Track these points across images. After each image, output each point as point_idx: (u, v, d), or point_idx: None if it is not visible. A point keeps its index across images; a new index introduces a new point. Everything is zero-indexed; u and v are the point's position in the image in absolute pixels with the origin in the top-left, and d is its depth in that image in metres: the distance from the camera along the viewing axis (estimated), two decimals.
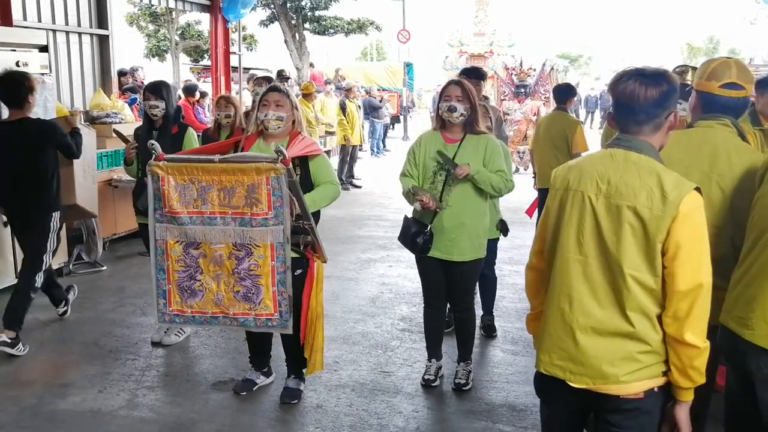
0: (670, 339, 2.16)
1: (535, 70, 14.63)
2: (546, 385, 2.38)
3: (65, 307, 5.54)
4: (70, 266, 6.76)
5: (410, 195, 4.08)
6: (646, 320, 2.17)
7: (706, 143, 2.76)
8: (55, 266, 6.44)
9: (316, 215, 3.97)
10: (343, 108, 12.74)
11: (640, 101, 2.18)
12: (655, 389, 2.21)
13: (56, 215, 5.01)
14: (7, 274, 6.06)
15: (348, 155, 12.73)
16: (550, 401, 2.44)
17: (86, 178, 6.17)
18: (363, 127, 15.17)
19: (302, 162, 3.93)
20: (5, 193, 4.93)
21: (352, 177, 12.71)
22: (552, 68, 15.08)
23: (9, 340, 4.69)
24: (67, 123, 5.36)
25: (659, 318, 2.17)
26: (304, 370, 4.15)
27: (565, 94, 7.50)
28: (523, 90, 13.51)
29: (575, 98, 7.46)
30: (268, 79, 9.33)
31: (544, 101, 14.49)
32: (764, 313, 2.38)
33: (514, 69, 14.29)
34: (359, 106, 14.16)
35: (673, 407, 2.23)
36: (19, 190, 4.87)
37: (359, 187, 12.47)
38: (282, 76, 11.78)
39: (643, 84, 2.18)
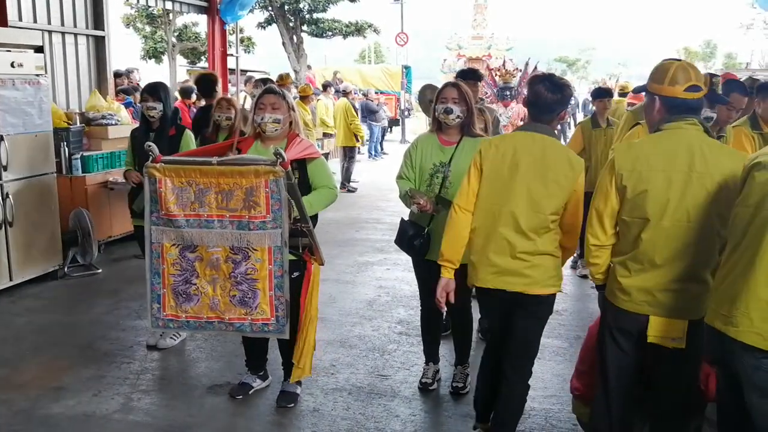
0: (565, 247, 3.38)
1: (520, 71, 14.08)
2: (486, 293, 3.41)
3: None
4: (65, 269, 6.71)
5: (407, 198, 4.05)
6: (556, 245, 3.31)
7: (679, 145, 2.82)
8: (49, 269, 6.45)
9: (314, 218, 3.94)
10: (355, 109, 12.75)
11: (544, 102, 3.24)
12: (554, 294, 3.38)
13: None
14: (1, 276, 6.03)
15: (355, 156, 12.73)
16: (487, 306, 3.56)
17: None
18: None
19: (300, 165, 3.90)
20: None
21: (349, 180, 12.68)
22: (535, 68, 14.42)
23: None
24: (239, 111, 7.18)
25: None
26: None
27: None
28: (507, 93, 12.46)
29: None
30: (267, 81, 9.29)
31: None
32: (748, 309, 2.39)
33: (498, 69, 13.72)
34: (357, 109, 14.12)
35: None
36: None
37: (355, 189, 12.44)
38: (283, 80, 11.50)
39: (549, 90, 3.22)
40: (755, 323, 2.38)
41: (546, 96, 3.21)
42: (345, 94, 13.47)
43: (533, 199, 3.19)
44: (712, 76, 5.02)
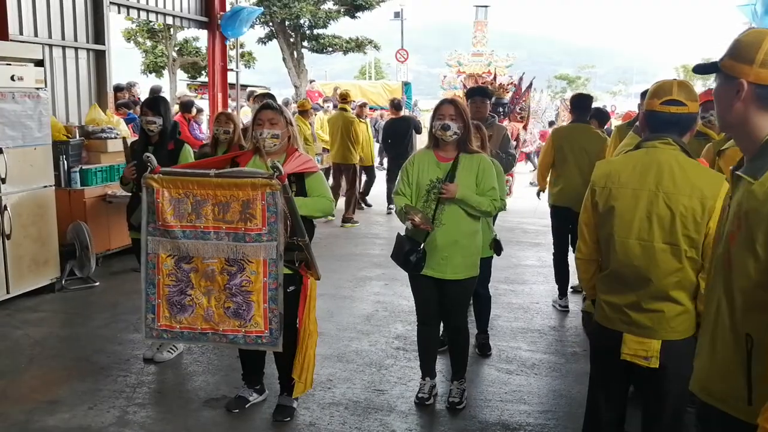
0: None
1: (514, 85, 13.53)
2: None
3: None
4: (63, 282, 6.71)
5: (403, 214, 4.07)
6: None
7: (651, 163, 2.84)
8: (47, 281, 6.45)
9: (310, 231, 3.95)
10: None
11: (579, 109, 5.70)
12: None
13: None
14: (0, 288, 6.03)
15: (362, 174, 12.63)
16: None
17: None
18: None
19: (298, 179, 3.92)
20: (391, 149, 11.31)
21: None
22: (531, 83, 13.87)
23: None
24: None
25: None
26: None
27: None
28: (501, 109, 11.66)
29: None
30: (268, 96, 9.32)
31: (523, 123, 13.44)
32: None
33: (490, 84, 13.07)
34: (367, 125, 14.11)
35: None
36: (397, 148, 11.07)
37: (370, 205, 12.36)
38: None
39: (579, 101, 5.95)
40: None
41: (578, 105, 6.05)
42: (360, 108, 13.41)
43: None
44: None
